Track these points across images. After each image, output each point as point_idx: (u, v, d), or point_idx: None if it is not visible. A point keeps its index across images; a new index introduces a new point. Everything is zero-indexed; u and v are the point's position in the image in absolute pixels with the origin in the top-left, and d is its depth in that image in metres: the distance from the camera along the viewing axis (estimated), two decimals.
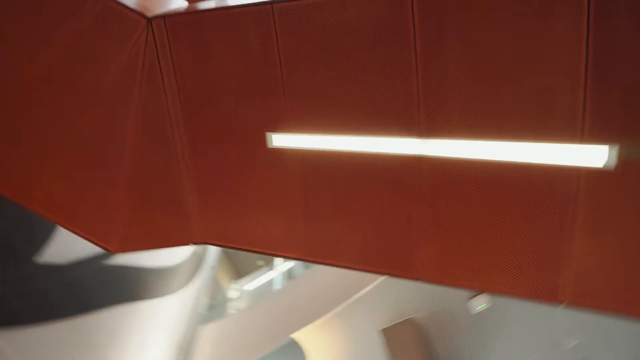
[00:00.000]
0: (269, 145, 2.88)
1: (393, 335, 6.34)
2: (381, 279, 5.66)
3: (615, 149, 2.08)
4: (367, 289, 6.19)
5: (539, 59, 2.11)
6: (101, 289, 4.69)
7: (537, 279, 2.49)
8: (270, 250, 3.22)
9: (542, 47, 2.09)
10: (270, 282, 10.69)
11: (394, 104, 2.48)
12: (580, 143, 2.13)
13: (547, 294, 2.50)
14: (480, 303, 5.80)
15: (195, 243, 3.38)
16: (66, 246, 4.18)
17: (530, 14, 2.07)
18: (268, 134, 2.85)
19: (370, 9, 2.36)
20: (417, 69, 2.36)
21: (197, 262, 6.98)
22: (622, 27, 1.94)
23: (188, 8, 2.95)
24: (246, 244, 3.28)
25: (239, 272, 11.90)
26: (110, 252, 3.31)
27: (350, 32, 2.44)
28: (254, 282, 11.28)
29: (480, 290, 2.70)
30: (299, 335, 6.75)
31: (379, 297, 6.39)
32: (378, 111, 2.53)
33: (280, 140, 2.84)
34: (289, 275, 10.46)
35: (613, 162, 2.09)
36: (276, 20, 2.60)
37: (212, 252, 7.91)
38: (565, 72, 2.08)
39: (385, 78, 2.45)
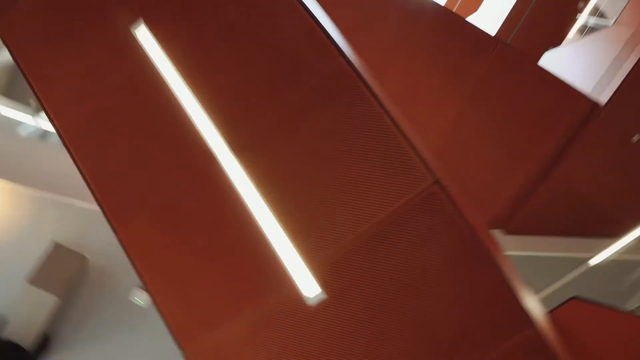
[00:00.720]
0: (132, 30, 2.61)
1: (60, 255, 5.97)
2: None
3: (320, 297, 2.20)
4: (81, 204, 5.76)
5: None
6: None
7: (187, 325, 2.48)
8: (48, 106, 2.81)
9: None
10: (20, 124, 9.54)
11: (245, 109, 2.40)
12: (311, 269, 2.21)
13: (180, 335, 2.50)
14: (142, 299, 5.65)
15: None
16: None
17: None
18: (142, 21, 2.60)
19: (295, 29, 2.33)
20: (281, 101, 2.35)
21: None
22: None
23: None
24: (35, 79, 2.83)
25: (6, 93, 10.51)
26: None
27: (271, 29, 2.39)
28: (7, 110, 9.99)
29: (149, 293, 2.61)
30: None
31: (82, 218, 6.00)
32: (228, 97, 2.44)
33: (144, 37, 2.59)
34: (43, 134, 9.46)
35: (312, 303, 2.19)
36: None
37: (5, 57, 6.96)
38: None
39: (262, 81, 2.39)
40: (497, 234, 5.73)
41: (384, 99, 2.23)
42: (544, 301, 3.42)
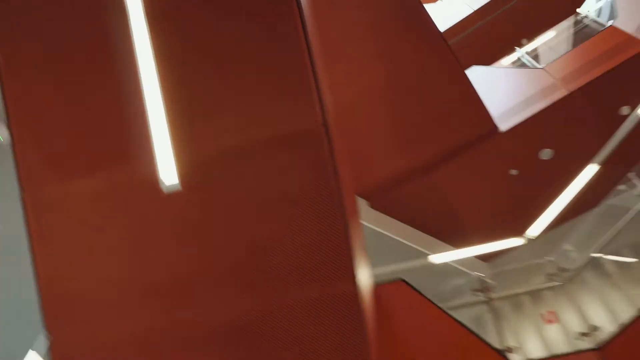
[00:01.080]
0: None
1: None
2: None
3: (175, 188, 2.19)
4: None
5: None
6: None
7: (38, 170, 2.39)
8: None
9: None
10: None
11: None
12: (177, 158, 2.17)
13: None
14: (4, 135, 5.26)
15: None
16: None
17: None
18: None
19: None
20: None
21: None
22: None
23: None
24: None
25: None
26: None
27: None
28: None
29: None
30: None
31: None
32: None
33: None
34: None
35: (166, 190, 2.19)
36: None
37: None
38: None
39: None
40: (362, 203, 6.01)
41: (310, 32, 2.23)
42: (376, 276, 3.66)
